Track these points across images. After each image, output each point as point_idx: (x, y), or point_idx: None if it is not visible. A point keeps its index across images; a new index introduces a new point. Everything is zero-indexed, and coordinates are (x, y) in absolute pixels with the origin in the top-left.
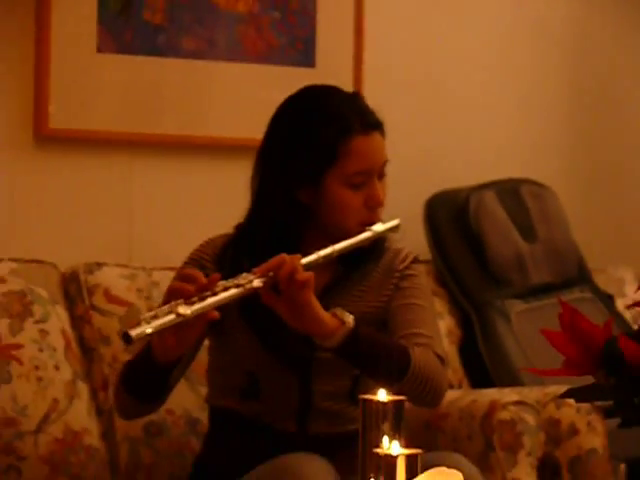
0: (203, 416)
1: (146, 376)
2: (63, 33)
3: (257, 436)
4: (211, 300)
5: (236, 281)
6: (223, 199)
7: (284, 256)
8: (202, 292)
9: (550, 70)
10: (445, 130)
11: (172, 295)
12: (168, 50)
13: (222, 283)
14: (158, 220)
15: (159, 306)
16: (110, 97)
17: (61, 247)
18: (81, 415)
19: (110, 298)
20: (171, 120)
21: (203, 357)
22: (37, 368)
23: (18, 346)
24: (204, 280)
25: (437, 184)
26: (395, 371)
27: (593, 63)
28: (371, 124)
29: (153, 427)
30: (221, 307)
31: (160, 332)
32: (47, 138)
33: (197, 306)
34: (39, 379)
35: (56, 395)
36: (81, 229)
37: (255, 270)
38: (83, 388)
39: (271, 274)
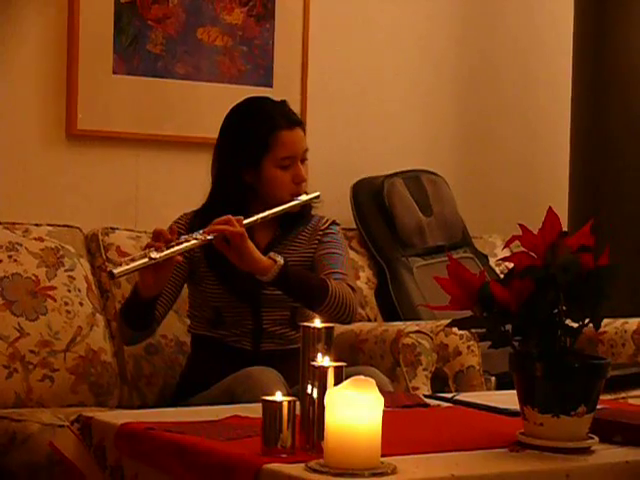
0: (188, 340)
1: (135, 309)
2: (87, 59)
3: (224, 353)
4: (175, 248)
5: (195, 235)
6: (207, 182)
7: (230, 216)
8: (169, 244)
9: (443, 91)
10: (367, 133)
11: (147, 247)
12: (165, 73)
13: (185, 237)
14: (157, 197)
15: None
16: (122, 106)
17: (85, 215)
18: (99, 338)
19: (121, 253)
20: (168, 124)
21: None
22: (66, 304)
23: (53, 288)
24: (168, 235)
25: (360, 173)
26: (317, 296)
27: (477, 87)
28: (293, 122)
29: (151, 347)
30: (193, 261)
31: (141, 273)
32: (76, 136)
33: (164, 252)
34: (68, 312)
35: (80, 324)
36: (100, 203)
37: (207, 228)
38: (100, 319)
39: (221, 227)
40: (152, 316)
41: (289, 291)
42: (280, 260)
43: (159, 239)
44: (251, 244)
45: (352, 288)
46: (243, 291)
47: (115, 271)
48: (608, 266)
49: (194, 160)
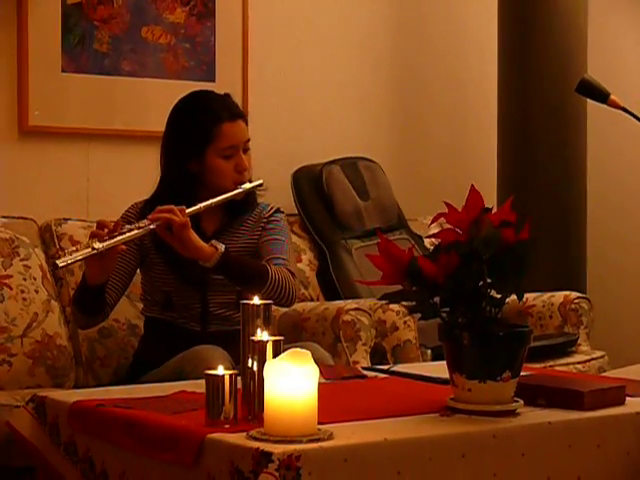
0: (139, 323)
1: (85, 295)
2: (38, 58)
3: (174, 334)
4: (118, 238)
5: (138, 224)
6: (154, 174)
7: (172, 206)
8: (112, 233)
9: (379, 86)
10: (306, 122)
11: (91, 237)
12: (112, 71)
13: (128, 227)
14: (106, 189)
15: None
16: (72, 103)
17: (38, 207)
18: (54, 324)
19: (73, 243)
20: (116, 119)
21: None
22: (22, 292)
23: (9, 277)
24: (111, 226)
25: (300, 161)
26: (257, 281)
27: (410, 83)
28: (235, 114)
29: (105, 330)
30: (144, 249)
31: (86, 262)
32: (28, 132)
33: (107, 242)
34: (24, 299)
35: (36, 310)
36: (52, 195)
37: (151, 216)
38: (55, 305)
39: (164, 215)
40: (103, 302)
41: (230, 276)
42: (221, 248)
43: (102, 229)
44: (193, 233)
45: (292, 273)
46: (191, 277)
47: (58, 262)
48: (528, 240)
49: (141, 153)
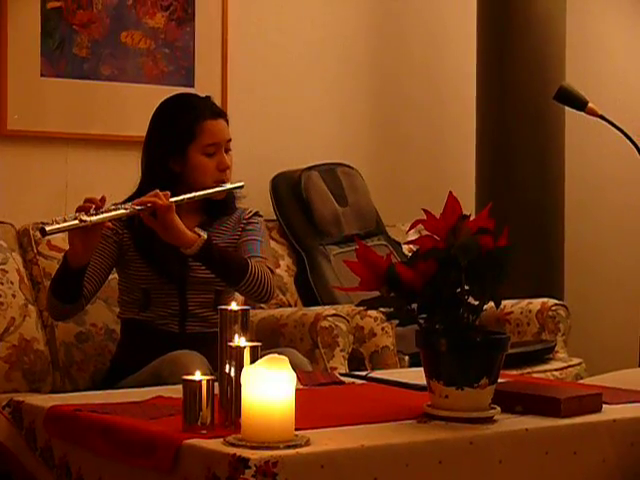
0: (117, 328)
1: (64, 279)
2: (17, 62)
3: (152, 336)
4: (105, 214)
5: (124, 205)
6: (133, 178)
7: (157, 191)
8: (99, 209)
9: (359, 94)
10: (285, 128)
11: (78, 211)
12: (91, 75)
13: (114, 206)
14: (85, 194)
15: None
16: (51, 107)
17: (16, 212)
18: (31, 328)
19: (51, 247)
20: (95, 124)
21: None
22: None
23: None
24: (99, 202)
25: (279, 167)
26: (238, 272)
27: (389, 92)
28: (217, 113)
29: (82, 335)
30: (122, 247)
31: (70, 238)
32: (6, 136)
33: (95, 217)
34: (1, 303)
35: (13, 314)
36: (31, 199)
37: (136, 201)
38: (32, 310)
39: (149, 204)
40: (80, 288)
41: (211, 265)
42: (204, 235)
43: (90, 204)
44: (176, 217)
45: (271, 270)
46: (170, 273)
47: (47, 228)
48: (506, 246)
49: (121, 158)
